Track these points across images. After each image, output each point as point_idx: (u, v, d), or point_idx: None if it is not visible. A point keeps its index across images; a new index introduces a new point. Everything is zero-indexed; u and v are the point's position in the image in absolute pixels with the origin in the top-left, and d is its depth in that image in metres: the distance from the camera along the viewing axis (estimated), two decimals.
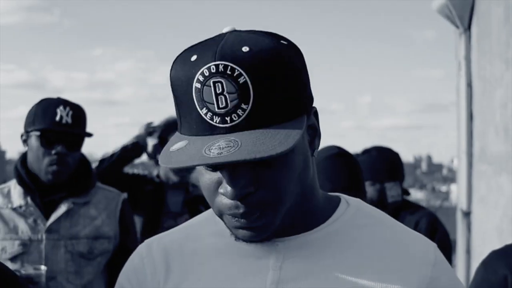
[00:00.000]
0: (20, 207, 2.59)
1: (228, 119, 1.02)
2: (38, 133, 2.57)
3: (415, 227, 3.24)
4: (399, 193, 3.43)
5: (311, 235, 1.17)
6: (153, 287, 1.23)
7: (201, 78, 1.02)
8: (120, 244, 2.68)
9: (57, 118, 2.54)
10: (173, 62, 1.08)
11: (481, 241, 5.15)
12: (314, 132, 1.15)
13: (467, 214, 5.37)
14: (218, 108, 1.03)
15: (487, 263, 1.81)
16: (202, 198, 3.81)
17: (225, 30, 1.09)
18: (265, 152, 0.98)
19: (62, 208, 2.59)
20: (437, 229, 3.33)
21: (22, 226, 2.56)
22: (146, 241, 1.30)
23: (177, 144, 1.05)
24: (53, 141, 2.55)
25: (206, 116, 1.03)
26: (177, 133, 1.10)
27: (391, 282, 1.13)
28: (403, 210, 3.43)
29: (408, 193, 3.64)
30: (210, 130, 1.03)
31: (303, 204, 1.15)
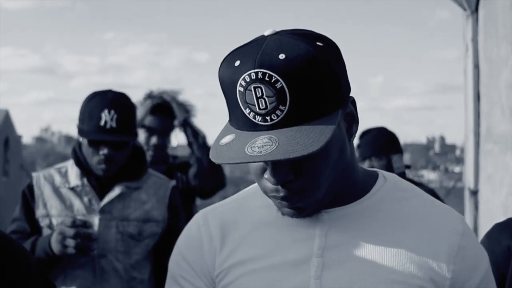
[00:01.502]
0: (77, 187, 2.75)
1: (268, 118, 1.17)
2: (85, 136, 2.69)
3: None
4: (403, 165, 3.69)
5: (353, 207, 1.32)
6: (209, 253, 1.38)
7: (243, 83, 1.17)
8: (169, 227, 2.80)
9: (102, 123, 2.61)
10: (221, 64, 1.23)
11: (488, 219, 5.28)
12: (351, 119, 1.30)
13: (474, 193, 5.50)
14: (259, 109, 1.17)
15: (490, 235, 1.92)
16: (180, 166, 3.93)
17: (266, 33, 1.23)
18: (298, 152, 1.13)
19: (116, 191, 2.73)
20: None
21: (78, 204, 2.71)
22: (202, 211, 1.45)
23: (226, 137, 1.21)
24: (99, 144, 2.66)
25: (249, 115, 1.19)
26: (227, 124, 1.27)
27: (424, 249, 1.28)
28: None
29: (409, 167, 3.90)
30: (254, 127, 1.19)
31: (344, 180, 1.30)
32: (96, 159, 2.69)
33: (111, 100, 2.64)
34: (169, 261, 2.78)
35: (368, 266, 1.26)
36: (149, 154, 3.69)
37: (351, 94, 1.31)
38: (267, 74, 1.15)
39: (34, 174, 2.86)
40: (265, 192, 1.28)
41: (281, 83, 1.15)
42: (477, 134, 5.48)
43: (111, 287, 2.68)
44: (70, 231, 2.48)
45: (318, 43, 1.21)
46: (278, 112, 1.17)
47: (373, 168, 1.43)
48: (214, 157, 1.20)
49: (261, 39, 1.21)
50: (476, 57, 5.42)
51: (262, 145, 1.15)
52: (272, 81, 1.15)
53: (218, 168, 3.76)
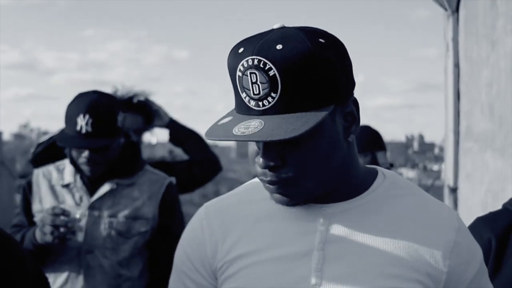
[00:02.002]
0: (70, 184, 2.78)
1: (260, 103, 1.24)
2: (65, 141, 2.69)
3: None
4: (387, 161, 3.75)
5: (353, 202, 1.36)
6: (211, 247, 1.42)
7: (242, 69, 1.24)
8: (161, 226, 2.80)
9: (78, 128, 2.60)
10: (230, 51, 1.29)
11: (467, 216, 5.34)
12: (352, 119, 1.33)
13: (453, 190, 5.57)
14: (253, 94, 1.24)
15: (473, 229, 1.96)
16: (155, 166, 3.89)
17: (274, 27, 1.28)
18: (276, 136, 1.18)
19: (105, 188, 2.74)
20: None
21: (69, 201, 2.74)
22: (205, 205, 1.48)
23: (225, 119, 1.27)
24: (78, 147, 2.67)
25: (245, 99, 1.25)
26: (232, 109, 1.32)
27: (420, 245, 1.32)
28: None
29: (392, 165, 3.95)
30: (248, 111, 1.25)
31: (343, 176, 1.34)
32: (80, 160, 2.71)
33: (88, 104, 2.62)
34: (161, 258, 2.80)
35: (367, 260, 1.31)
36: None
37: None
38: (262, 61, 1.21)
39: (35, 171, 2.90)
40: (256, 175, 1.33)
41: (274, 71, 1.21)
42: (457, 133, 5.55)
43: (97, 283, 2.69)
44: (49, 218, 2.51)
45: (320, 39, 1.25)
46: (269, 98, 1.22)
47: (373, 166, 1.47)
48: (207, 133, 1.27)
49: (267, 31, 1.27)
50: (456, 56, 5.48)
51: (248, 127, 1.22)
52: (266, 68, 1.21)
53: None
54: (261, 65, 1.21)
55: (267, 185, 1.30)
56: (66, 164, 2.85)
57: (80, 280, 2.68)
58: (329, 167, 1.30)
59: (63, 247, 2.61)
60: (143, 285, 2.82)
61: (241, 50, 1.25)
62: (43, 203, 2.78)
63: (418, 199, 1.40)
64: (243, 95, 1.25)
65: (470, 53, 5.27)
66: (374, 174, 1.42)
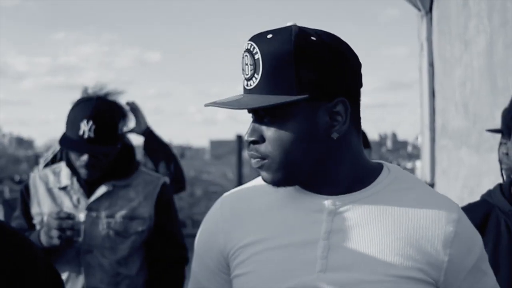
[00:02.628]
0: (67, 186, 2.83)
1: (249, 83, 1.39)
2: (66, 143, 2.74)
3: None
4: (371, 159, 3.85)
5: (358, 194, 1.45)
6: (224, 234, 1.52)
7: (242, 52, 1.41)
8: (157, 225, 2.87)
9: (80, 133, 2.66)
10: None
11: None
12: (340, 118, 1.42)
13: (430, 186, 5.71)
14: (245, 74, 1.41)
15: None
16: None
17: (287, 24, 1.42)
18: (243, 106, 1.37)
19: (102, 189, 2.80)
20: None
21: (67, 203, 2.79)
22: (222, 196, 1.60)
23: (235, 95, 1.43)
24: (79, 151, 2.72)
25: (243, 79, 1.41)
26: None
27: (422, 236, 1.40)
28: None
29: None
30: (243, 89, 1.41)
31: (349, 169, 1.45)
32: (78, 163, 2.75)
33: (92, 110, 2.68)
34: (158, 256, 2.88)
35: (369, 249, 1.39)
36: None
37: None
38: (252, 46, 1.38)
39: (31, 174, 2.96)
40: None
41: (258, 55, 1.37)
42: (432, 130, 5.69)
43: (96, 282, 2.76)
44: (55, 222, 2.57)
45: (312, 37, 1.39)
46: (254, 79, 1.38)
47: (378, 161, 1.56)
48: (209, 104, 1.42)
49: (285, 26, 1.43)
50: (430, 55, 5.62)
51: (231, 100, 1.40)
52: (254, 52, 1.38)
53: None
54: (251, 49, 1.38)
55: (252, 161, 1.44)
56: (62, 167, 2.91)
57: (80, 280, 2.74)
58: (303, 153, 1.40)
59: (69, 248, 2.67)
60: (141, 282, 2.89)
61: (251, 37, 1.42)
62: (41, 206, 2.83)
63: (420, 192, 1.47)
64: (242, 74, 1.42)
65: (444, 53, 5.41)
66: (380, 168, 1.51)
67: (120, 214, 2.80)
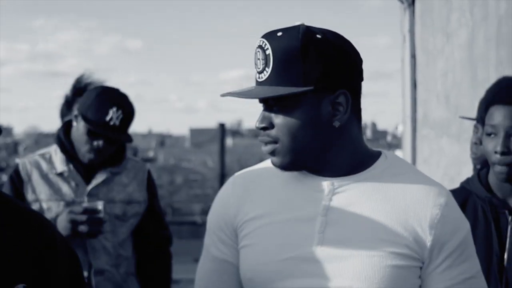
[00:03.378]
0: (64, 172, 2.91)
1: (261, 75, 1.56)
2: (87, 124, 2.82)
3: None
4: None
5: (355, 177, 1.60)
6: (234, 208, 1.68)
7: (255, 48, 1.57)
8: (149, 207, 3.05)
9: (107, 118, 2.79)
10: None
11: None
12: (341, 108, 1.57)
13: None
14: (257, 67, 1.57)
15: None
16: None
17: (297, 23, 1.57)
18: (251, 95, 1.54)
19: (101, 176, 2.92)
20: None
21: (66, 189, 2.89)
22: (234, 175, 1.76)
23: (247, 87, 1.58)
24: (97, 136, 2.83)
25: (255, 72, 1.59)
26: None
27: (411, 216, 1.56)
28: None
29: None
30: (255, 81, 1.59)
31: (349, 155, 1.61)
32: (87, 147, 2.84)
33: (121, 100, 2.85)
34: (149, 237, 3.02)
35: (362, 225, 1.55)
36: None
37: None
38: (264, 42, 1.55)
39: (18, 160, 3.01)
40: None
41: (269, 51, 1.53)
42: (414, 120, 5.82)
43: (101, 264, 2.87)
44: (82, 217, 2.65)
45: (317, 35, 1.54)
46: (265, 72, 1.54)
47: (378, 149, 1.71)
48: (225, 94, 1.58)
49: (294, 24, 1.59)
50: (413, 47, 5.75)
51: (244, 90, 1.56)
52: (265, 48, 1.54)
53: None
54: (262, 45, 1.55)
55: (263, 147, 1.59)
56: (52, 152, 2.97)
57: (86, 263, 2.83)
58: (308, 139, 1.56)
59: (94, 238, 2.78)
60: (134, 263, 3.04)
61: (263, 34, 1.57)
62: (37, 192, 2.88)
63: (413, 178, 1.63)
64: (255, 69, 1.58)
65: (426, 45, 5.54)
66: (378, 155, 1.67)
67: (118, 199, 2.93)
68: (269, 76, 1.53)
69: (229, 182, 1.75)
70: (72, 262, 1.64)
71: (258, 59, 1.56)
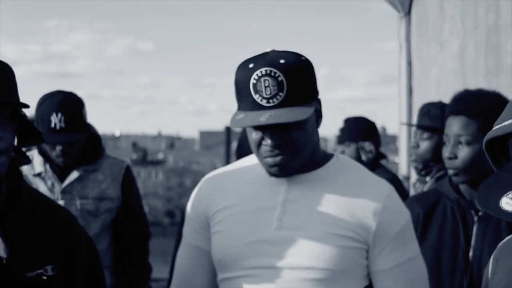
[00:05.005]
0: (41, 173, 3.08)
1: (271, 101, 1.71)
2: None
3: None
4: (373, 152, 4.08)
5: (310, 174, 1.85)
6: (206, 201, 1.92)
7: (256, 77, 1.72)
8: (124, 204, 3.18)
9: (52, 125, 2.93)
10: (237, 68, 1.78)
11: None
12: (318, 114, 1.83)
13: (407, 178, 6.02)
14: (265, 94, 1.71)
15: (407, 205, 2.43)
16: None
17: (267, 50, 1.79)
18: (290, 119, 1.70)
19: (74, 174, 3.07)
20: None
21: (43, 188, 3.05)
22: (208, 174, 2.01)
23: (240, 115, 1.74)
24: (53, 143, 2.99)
25: (257, 99, 1.71)
26: (236, 111, 1.79)
27: (357, 206, 1.81)
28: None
29: (384, 156, 4.27)
30: (259, 108, 1.72)
31: (313, 155, 1.83)
32: (53, 154, 3.01)
33: (58, 103, 2.95)
34: (124, 232, 3.20)
35: (315, 214, 1.80)
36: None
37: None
38: (273, 71, 1.71)
39: None
40: (262, 155, 1.80)
41: (281, 77, 1.71)
42: (409, 125, 5.99)
43: None
44: None
45: (302, 57, 1.78)
46: (278, 97, 1.71)
47: (332, 152, 1.96)
48: (235, 124, 1.75)
49: (265, 53, 1.79)
50: (409, 55, 5.93)
51: (267, 117, 1.71)
52: (276, 75, 1.71)
53: None
54: (272, 74, 1.71)
55: (274, 158, 1.77)
56: (34, 155, 3.12)
57: None
58: (309, 147, 1.80)
59: None
60: (110, 257, 3.21)
61: (251, 65, 1.74)
62: None
63: (360, 175, 1.89)
64: (256, 96, 1.72)
65: (421, 53, 5.72)
66: (330, 156, 1.91)
67: (91, 195, 3.10)
68: (283, 99, 1.71)
69: (202, 181, 2.01)
70: (92, 252, 1.89)
71: (267, 86, 1.71)
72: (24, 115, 1.80)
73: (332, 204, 1.81)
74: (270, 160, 1.78)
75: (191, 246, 1.98)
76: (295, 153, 1.78)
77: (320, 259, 1.77)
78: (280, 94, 1.70)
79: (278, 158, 1.77)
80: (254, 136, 1.80)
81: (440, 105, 3.39)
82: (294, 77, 1.72)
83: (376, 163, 4.10)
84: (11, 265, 1.65)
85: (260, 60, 1.74)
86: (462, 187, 2.34)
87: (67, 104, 2.97)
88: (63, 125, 2.93)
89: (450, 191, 2.35)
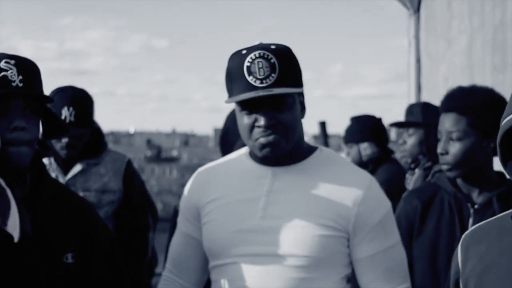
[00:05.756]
0: (46, 166, 3.17)
1: (264, 81, 1.83)
2: None
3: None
4: (374, 151, 4.17)
5: (294, 166, 1.95)
6: (198, 193, 2.05)
7: (250, 60, 1.85)
8: (126, 196, 3.31)
9: (62, 118, 3.03)
10: (230, 58, 1.90)
11: None
12: (302, 106, 1.94)
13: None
14: (259, 75, 1.84)
15: (405, 198, 2.54)
16: None
17: (256, 43, 1.90)
18: (283, 91, 1.83)
19: (78, 167, 3.20)
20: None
21: None
22: (200, 168, 2.13)
23: (236, 97, 1.85)
24: (60, 135, 3.10)
25: (251, 81, 1.83)
26: (228, 99, 1.90)
27: (338, 196, 1.91)
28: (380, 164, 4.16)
29: (392, 152, 4.32)
30: (253, 89, 1.84)
31: (297, 145, 1.93)
32: (58, 146, 3.12)
33: (70, 97, 3.07)
34: (126, 224, 3.28)
35: (298, 204, 1.90)
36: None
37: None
38: (265, 54, 1.85)
39: None
40: (254, 138, 1.89)
41: (274, 59, 1.84)
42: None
43: None
44: None
45: (289, 48, 1.92)
46: (270, 77, 1.83)
47: (316, 145, 2.04)
48: (230, 100, 1.88)
49: (255, 44, 1.90)
50: (417, 52, 5.98)
51: (249, 95, 1.83)
52: (269, 58, 1.84)
53: None
54: (265, 56, 1.84)
55: (263, 139, 1.86)
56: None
57: None
58: (297, 132, 1.90)
59: None
60: None
61: (244, 52, 1.87)
62: None
63: (342, 167, 1.99)
64: (250, 77, 1.84)
65: (430, 50, 5.76)
66: (314, 149, 2.01)
67: (94, 188, 3.20)
68: (275, 80, 1.83)
69: (195, 174, 2.12)
70: (110, 240, 2.02)
71: (260, 68, 1.83)
72: (49, 109, 1.89)
73: (314, 195, 1.92)
74: (263, 140, 1.88)
75: (183, 234, 2.10)
76: (286, 133, 1.87)
77: (301, 247, 1.88)
78: (273, 75, 1.82)
79: (271, 137, 1.86)
80: (246, 120, 1.90)
81: (421, 104, 3.74)
82: (285, 60, 1.85)
83: (383, 159, 4.16)
84: (37, 250, 1.77)
85: (253, 47, 1.88)
86: (459, 181, 2.41)
87: (79, 99, 3.09)
88: (73, 119, 3.04)
89: (447, 185, 2.42)
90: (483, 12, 4.66)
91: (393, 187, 3.95)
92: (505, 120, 1.34)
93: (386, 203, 1.97)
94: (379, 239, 1.93)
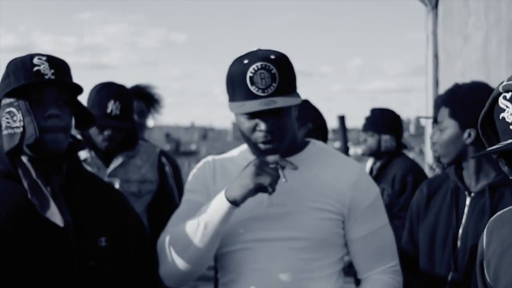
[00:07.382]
0: (86, 159, 3.33)
1: (266, 91, 2.01)
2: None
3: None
4: (393, 144, 4.36)
5: (293, 157, 2.13)
6: (209, 178, 2.22)
7: (253, 70, 2.02)
8: (161, 185, 3.48)
9: (108, 110, 3.21)
10: (231, 65, 2.07)
11: None
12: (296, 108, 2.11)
13: (432, 169, 6.19)
14: (261, 85, 2.01)
15: (419, 187, 2.69)
16: None
17: (254, 49, 2.07)
18: (285, 104, 1.99)
19: (119, 160, 3.35)
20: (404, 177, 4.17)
21: None
22: (210, 156, 2.29)
23: (238, 105, 2.02)
24: (104, 127, 3.25)
25: (254, 90, 2.00)
26: (230, 102, 2.08)
27: (334, 183, 2.13)
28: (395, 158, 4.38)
29: (405, 147, 4.55)
30: (255, 98, 2.01)
31: (293, 141, 2.13)
32: (100, 137, 3.26)
33: (117, 92, 3.25)
34: (161, 214, 3.44)
35: (298, 191, 2.12)
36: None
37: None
38: (267, 65, 2.01)
39: None
40: (256, 141, 2.07)
41: (274, 70, 2.01)
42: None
43: None
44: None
45: (284, 54, 2.08)
46: (271, 87, 2.00)
47: (309, 139, 2.26)
48: (237, 112, 2.04)
49: (254, 50, 2.07)
50: (435, 48, 6.09)
51: (266, 103, 1.99)
52: (270, 68, 2.01)
53: None
54: (266, 67, 2.00)
55: (266, 143, 2.04)
56: None
57: None
58: (293, 133, 2.10)
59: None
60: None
61: (246, 61, 2.03)
62: None
63: (334, 157, 2.22)
64: (252, 87, 2.00)
65: (447, 46, 5.88)
66: (307, 142, 2.24)
67: (134, 179, 3.38)
68: (276, 89, 2.00)
69: (205, 161, 2.28)
70: (140, 225, 2.20)
71: (263, 78, 2.00)
72: (79, 101, 2.06)
73: (313, 183, 2.14)
74: (262, 146, 2.06)
75: (187, 201, 2.24)
76: (284, 136, 2.06)
77: (303, 230, 2.09)
78: (273, 84, 1.99)
79: (269, 145, 2.04)
80: (247, 124, 2.07)
81: None
82: (284, 70, 2.02)
83: (397, 152, 4.35)
84: (73, 232, 1.90)
85: (253, 56, 2.03)
86: (465, 173, 2.55)
87: (124, 94, 3.27)
88: (118, 112, 3.21)
89: (452, 175, 2.57)
90: (499, 10, 4.77)
91: (419, 174, 4.16)
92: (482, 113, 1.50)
93: (375, 188, 2.23)
94: (371, 220, 2.17)
